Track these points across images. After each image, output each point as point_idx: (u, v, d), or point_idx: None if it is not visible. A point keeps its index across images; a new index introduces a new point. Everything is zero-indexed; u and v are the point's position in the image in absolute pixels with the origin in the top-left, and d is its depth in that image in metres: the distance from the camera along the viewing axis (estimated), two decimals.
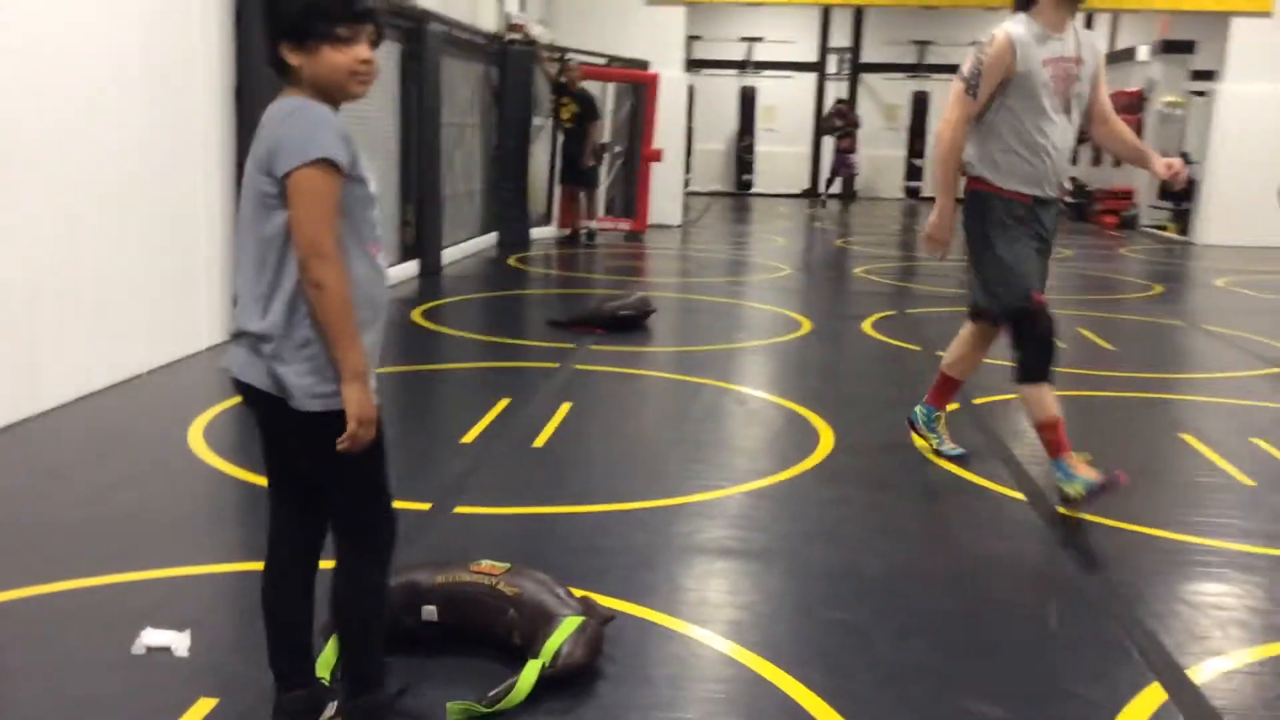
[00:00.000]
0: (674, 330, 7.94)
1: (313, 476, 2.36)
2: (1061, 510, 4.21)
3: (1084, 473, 4.15)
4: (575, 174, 12.77)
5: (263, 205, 2.17)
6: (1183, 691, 2.85)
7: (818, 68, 23.82)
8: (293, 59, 2.20)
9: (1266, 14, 14.50)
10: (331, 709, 2.49)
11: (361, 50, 2.21)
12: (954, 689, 2.83)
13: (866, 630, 3.16)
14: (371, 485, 2.36)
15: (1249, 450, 5.11)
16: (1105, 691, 2.82)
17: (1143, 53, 17.65)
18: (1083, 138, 17.58)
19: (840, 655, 3.01)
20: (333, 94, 2.22)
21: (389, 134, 9.34)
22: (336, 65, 2.19)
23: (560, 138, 12.86)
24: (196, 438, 4.80)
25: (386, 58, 9.16)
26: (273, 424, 2.32)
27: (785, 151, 24.11)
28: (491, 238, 12.14)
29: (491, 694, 2.60)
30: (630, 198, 14.16)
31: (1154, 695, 2.81)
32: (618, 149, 14.16)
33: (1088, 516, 4.15)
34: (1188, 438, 5.33)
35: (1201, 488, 4.67)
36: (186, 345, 6.23)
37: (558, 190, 13.44)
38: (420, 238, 9.69)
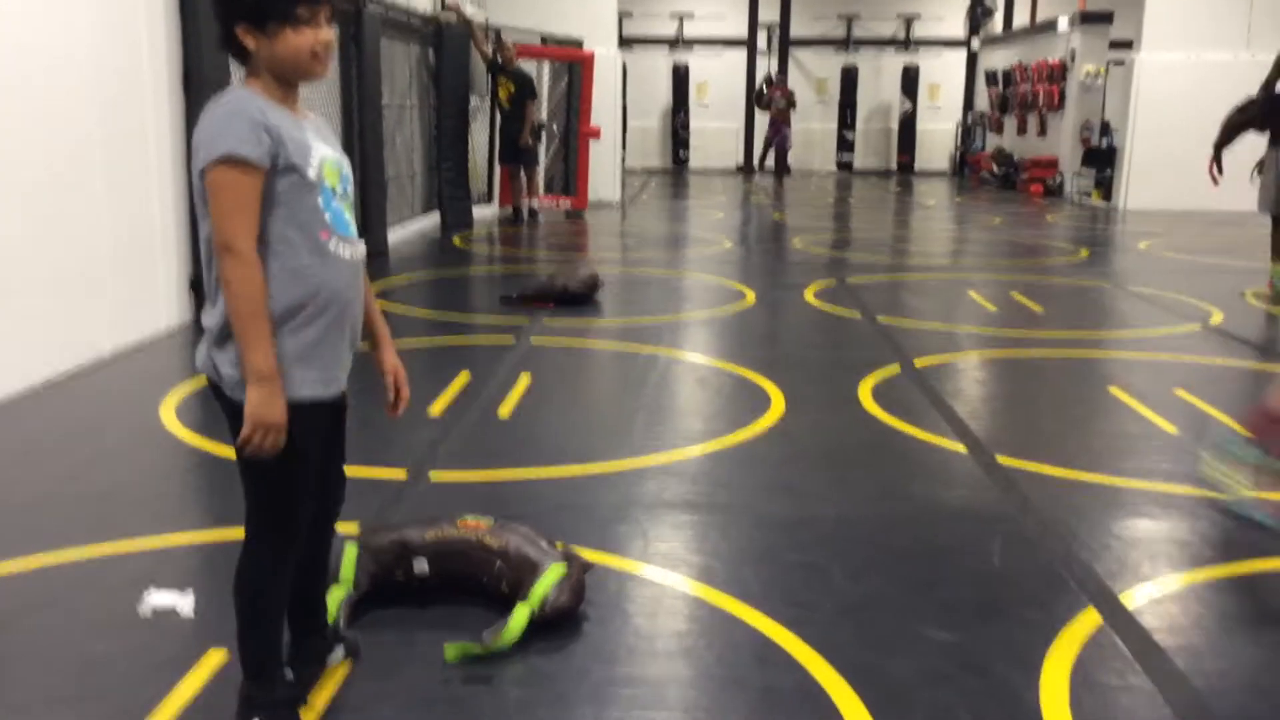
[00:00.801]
0: (623, 303, 8.13)
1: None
2: (1000, 460, 4.49)
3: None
4: (515, 153, 12.87)
5: (201, 202, 2.19)
6: (1116, 614, 3.12)
7: (748, 43, 24.09)
8: (249, 42, 2.20)
9: None
10: (340, 653, 2.67)
11: (322, 31, 2.24)
12: (908, 616, 3.08)
13: (825, 569, 3.40)
14: (273, 488, 2.33)
15: (1172, 401, 5.44)
16: (1045, 615, 3.09)
17: (1063, 24, 18.12)
18: (1002, 108, 17.88)
19: (803, 592, 3.24)
20: (292, 76, 2.25)
21: (332, 118, 9.39)
22: (298, 47, 2.20)
23: (498, 118, 12.95)
24: (169, 414, 4.91)
25: None
26: (220, 409, 2.34)
27: (718, 127, 24.38)
28: (434, 217, 12.22)
29: (485, 635, 2.79)
30: (569, 175, 14.29)
31: (1090, 618, 3.08)
32: (555, 127, 14.28)
33: (1024, 464, 4.44)
34: (1115, 391, 5.65)
35: (1129, 436, 4.98)
36: (147, 328, 6.30)
37: (498, 169, 13.54)
38: (365, 219, 9.76)
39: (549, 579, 2.93)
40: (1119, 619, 3.09)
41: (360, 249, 2.38)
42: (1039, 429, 5.22)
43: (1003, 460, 4.49)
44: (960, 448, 4.67)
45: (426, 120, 12.18)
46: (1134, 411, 5.27)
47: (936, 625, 3.03)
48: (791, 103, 22.46)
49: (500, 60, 12.58)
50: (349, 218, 2.34)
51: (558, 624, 2.91)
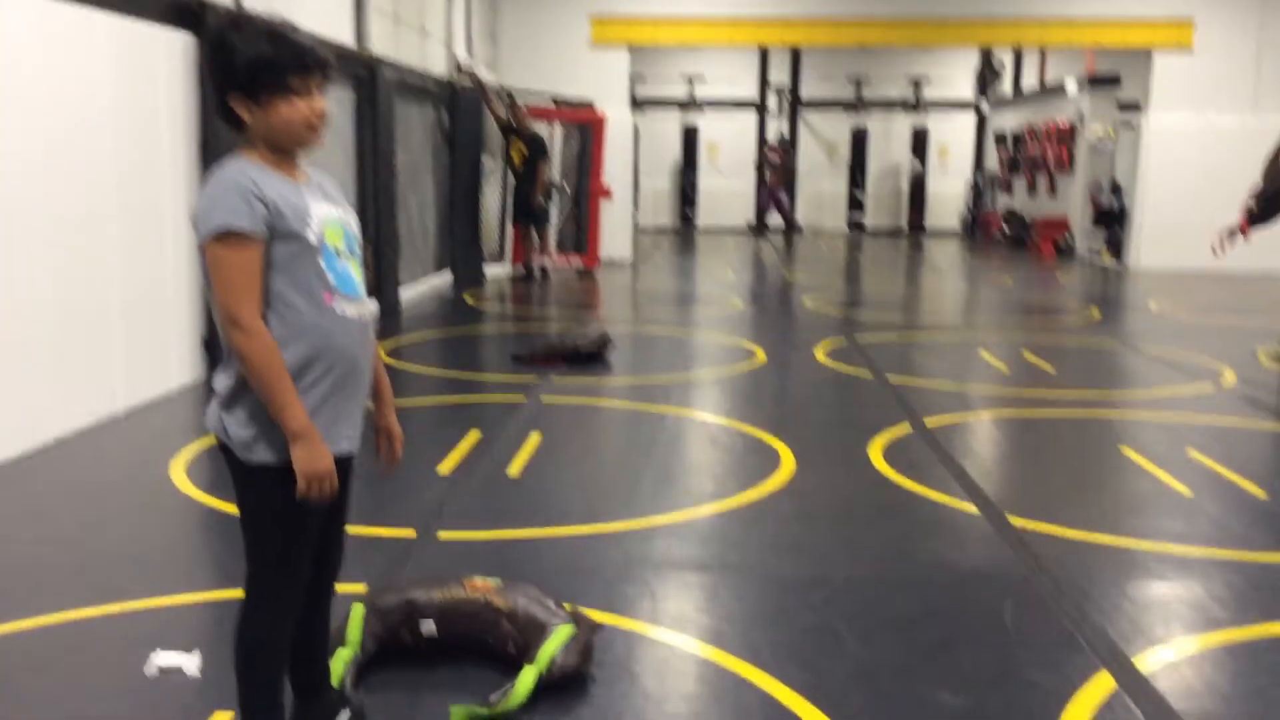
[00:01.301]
0: (634, 362, 8.15)
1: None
2: (1012, 520, 4.46)
3: None
4: (528, 212, 12.99)
5: (206, 273, 2.23)
6: (1130, 678, 3.08)
7: (758, 105, 24.35)
8: (243, 112, 2.22)
9: (1188, 49, 15.16)
10: (345, 715, 2.65)
11: (315, 101, 2.26)
12: (920, 681, 3.05)
13: (837, 632, 3.37)
14: (274, 546, 2.34)
15: (1185, 462, 5.41)
16: (1058, 679, 3.05)
17: (1071, 86, 18.28)
18: (1012, 168, 18.05)
19: (814, 655, 3.21)
20: (287, 145, 2.27)
21: (345, 179, 9.50)
22: (289, 119, 2.22)
23: (510, 178, 13.09)
24: (179, 473, 4.92)
25: (340, 104, 9.34)
26: (228, 468, 2.35)
27: (728, 187, 24.56)
28: (446, 275, 12.30)
29: (492, 697, 2.77)
30: (581, 235, 14.40)
31: (1104, 682, 3.05)
32: (566, 187, 14.42)
33: (1035, 525, 4.41)
34: (1127, 450, 5.62)
35: (1141, 496, 4.95)
36: (159, 386, 6.33)
37: (509, 228, 13.65)
38: (377, 278, 9.84)
39: (556, 640, 2.91)
40: (1133, 683, 3.05)
41: (368, 308, 2.39)
42: (1051, 489, 5.20)
43: (1014, 520, 4.46)
44: (971, 508, 4.65)
45: (440, 180, 12.32)
46: (1146, 472, 5.24)
47: (948, 689, 2.99)
48: (785, 164, 22.69)
49: (513, 122, 12.74)
50: (356, 277, 2.35)
51: (565, 686, 2.89)
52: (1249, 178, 15.41)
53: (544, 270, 13.22)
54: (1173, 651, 3.28)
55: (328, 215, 2.31)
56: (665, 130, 24.34)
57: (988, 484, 5.02)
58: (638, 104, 23.13)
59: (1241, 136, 15.23)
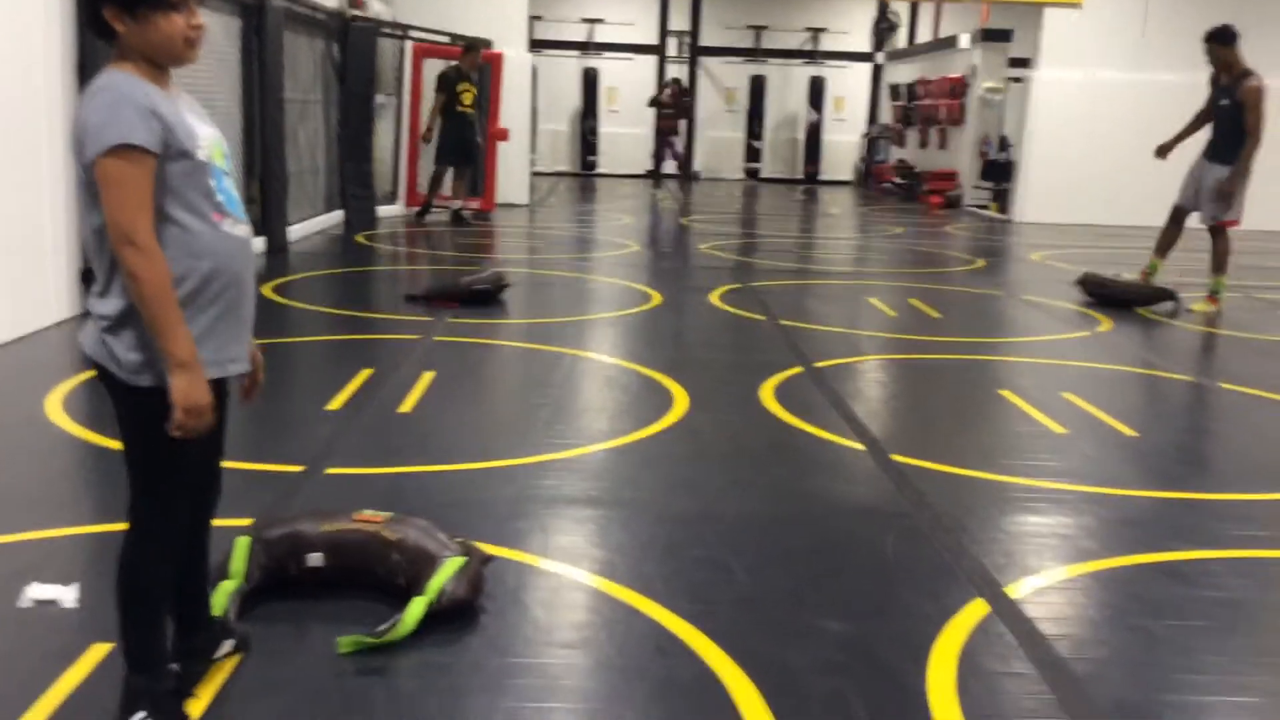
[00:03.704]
0: (529, 304, 8.11)
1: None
2: (896, 458, 4.58)
3: None
4: (469, 155, 12.81)
5: (88, 193, 2.13)
6: (1002, 605, 3.21)
7: (658, 50, 24.21)
8: (118, 25, 2.14)
9: (1077, 6, 15.50)
10: (228, 645, 2.61)
11: (193, 15, 2.19)
12: (805, 609, 3.13)
13: (726, 565, 3.44)
14: (158, 474, 2.28)
15: (1060, 403, 5.61)
16: (936, 607, 3.16)
17: (964, 40, 18.57)
18: (906, 121, 18.38)
19: (703, 586, 3.27)
20: (164, 61, 2.20)
21: (231, 110, 9.20)
22: (169, 34, 2.16)
23: (449, 122, 12.70)
24: (55, 408, 4.76)
25: (227, 33, 9.03)
26: (111, 397, 2.28)
27: (628, 133, 24.43)
28: (336, 216, 12.04)
29: (379, 628, 2.76)
30: (477, 177, 14.18)
31: (978, 608, 3.17)
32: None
33: (918, 462, 4.54)
34: (1007, 394, 5.81)
35: (1019, 436, 5.13)
36: (37, 319, 6.10)
37: (404, 169, 13.38)
38: (265, 214, 9.58)
39: (446, 571, 2.91)
40: (1005, 609, 3.18)
41: (250, 228, 2.36)
42: (934, 428, 5.35)
43: (898, 458, 4.58)
44: (858, 446, 4.76)
45: (331, 117, 12.00)
46: (1024, 413, 5.43)
47: (831, 617, 3.08)
48: (681, 106, 22.62)
49: (465, 67, 12.59)
50: (238, 196, 2.32)
51: (454, 616, 2.89)
52: (1134, 135, 15.92)
53: (460, 214, 12.96)
54: (1043, 580, 3.43)
55: (209, 133, 2.26)
56: (564, 74, 24.06)
57: (874, 424, 5.14)
58: (536, 46, 22.80)
59: (1127, 94, 15.69)
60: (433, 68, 13.08)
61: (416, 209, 13.04)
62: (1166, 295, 8.58)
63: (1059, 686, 2.75)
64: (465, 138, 12.74)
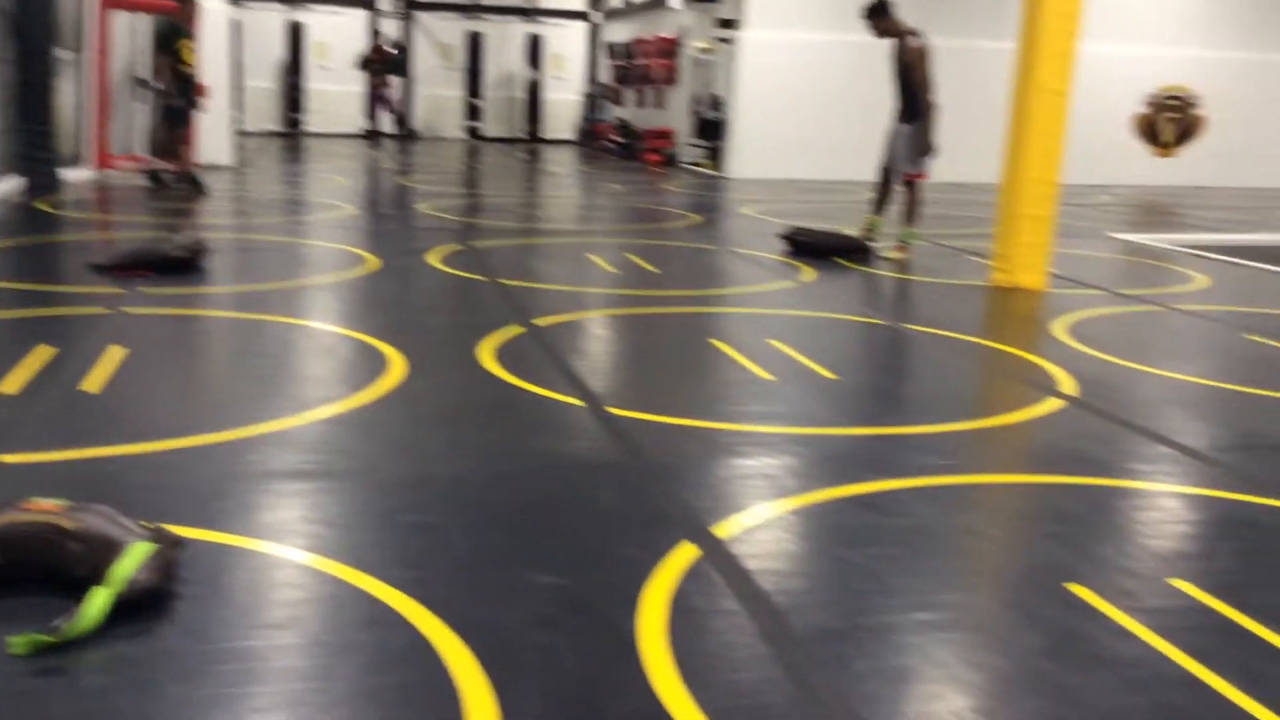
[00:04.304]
0: (234, 270, 7.70)
1: None
2: (613, 411, 4.65)
3: None
4: (182, 114, 11.93)
5: None
6: (710, 546, 3.32)
7: (369, 4, 23.43)
8: None
9: None
10: None
11: None
12: (519, 566, 3.13)
13: (442, 528, 3.38)
14: None
15: (768, 351, 5.86)
16: (647, 554, 3.23)
17: (675, 2, 18.98)
18: (623, 80, 18.70)
19: (417, 553, 3.21)
20: None
21: None
22: None
23: (172, 82, 11.77)
24: None
25: None
26: None
27: (340, 90, 23.60)
28: (14, 181, 10.99)
29: (55, 623, 2.55)
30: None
31: (687, 551, 3.26)
32: (160, 86, 13.26)
33: (635, 414, 4.62)
34: (719, 344, 6.01)
35: (730, 384, 5.32)
36: None
37: (90, 130, 12.37)
38: None
39: (131, 558, 2.71)
40: (713, 549, 3.29)
41: None
42: (650, 381, 5.47)
43: (615, 411, 4.65)
44: (577, 402, 4.80)
45: (3, 73, 10.91)
46: (735, 361, 5.63)
47: (546, 572, 3.09)
48: (390, 62, 22.07)
49: (182, 21, 11.63)
50: None
51: (145, 606, 2.71)
52: (835, 94, 16.77)
53: (160, 175, 12.07)
54: (750, 519, 3.57)
55: None
56: (269, 28, 22.92)
57: (593, 379, 5.20)
58: None
59: (828, 54, 16.49)
60: (122, 22, 12.12)
61: (147, 173, 12.10)
62: (860, 246, 9.12)
63: (762, 618, 2.88)
64: (190, 97, 11.95)
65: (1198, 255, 10.09)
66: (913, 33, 8.91)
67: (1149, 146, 18.89)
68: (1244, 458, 4.46)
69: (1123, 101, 18.45)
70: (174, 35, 11.76)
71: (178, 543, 2.90)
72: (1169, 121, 18.83)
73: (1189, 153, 18.91)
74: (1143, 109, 18.69)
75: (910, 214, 9.24)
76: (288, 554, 3.17)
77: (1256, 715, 2.51)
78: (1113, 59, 17.68)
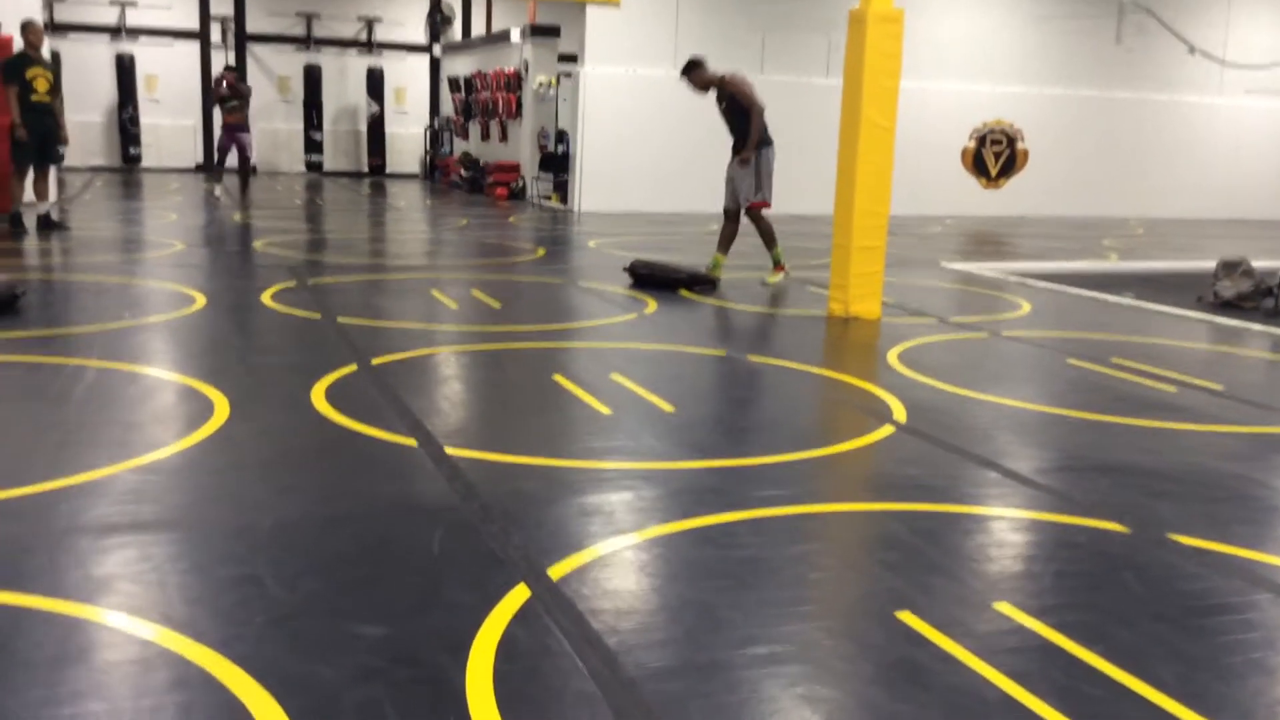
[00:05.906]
0: (50, 313, 7.30)
1: None
2: (449, 451, 4.55)
3: None
4: (51, 152, 11.37)
5: None
6: (543, 587, 3.26)
7: (200, 36, 22.74)
8: None
9: (615, 6, 16.31)
10: None
11: None
12: (342, 617, 3.00)
13: (260, 580, 3.23)
14: None
15: (609, 385, 5.84)
16: (479, 597, 3.15)
17: (516, 35, 18.99)
18: (467, 114, 18.50)
19: (234, 607, 3.05)
20: None
21: None
22: None
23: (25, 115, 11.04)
24: None
25: None
26: None
27: (174, 124, 22.81)
28: None
29: None
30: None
31: (520, 593, 3.19)
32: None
33: (471, 454, 4.53)
34: (560, 379, 5.96)
35: (569, 420, 5.28)
36: None
37: None
38: None
39: None
40: (546, 592, 3.23)
41: None
42: (489, 419, 5.39)
43: (451, 451, 4.55)
44: (411, 442, 4.68)
45: None
46: (575, 396, 5.59)
47: (370, 622, 2.98)
48: (239, 96, 21.45)
49: (26, 47, 10.97)
50: None
51: None
52: (673, 129, 17.01)
53: (49, 217, 11.43)
54: (585, 557, 3.52)
55: None
56: (94, 60, 22.01)
57: (430, 418, 5.08)
58: (57, 29, 20.75)
59: (668, 90, 16.63)
60: None
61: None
62: (703, 278, 9.23)
63: (592, 661, 2.83)
64: (45, 131, 11.28)
65: (1024, 283, 10.54)
66: (726, 74, 9.26)
67: (978, 179, 19.73)
68: (1065, 480, 4.64)
69: (952, 136, 19.25)
70: (22, 65, 11.14)
71: None
72: (994, 155, 19.72)
73: (1014, 184, 19.82)
74: (969, 143, 19.52)
75: (768, 239, 9.42)
76: (96, 614, 2.97)
77: None
78: (941, 95, 18.47)
